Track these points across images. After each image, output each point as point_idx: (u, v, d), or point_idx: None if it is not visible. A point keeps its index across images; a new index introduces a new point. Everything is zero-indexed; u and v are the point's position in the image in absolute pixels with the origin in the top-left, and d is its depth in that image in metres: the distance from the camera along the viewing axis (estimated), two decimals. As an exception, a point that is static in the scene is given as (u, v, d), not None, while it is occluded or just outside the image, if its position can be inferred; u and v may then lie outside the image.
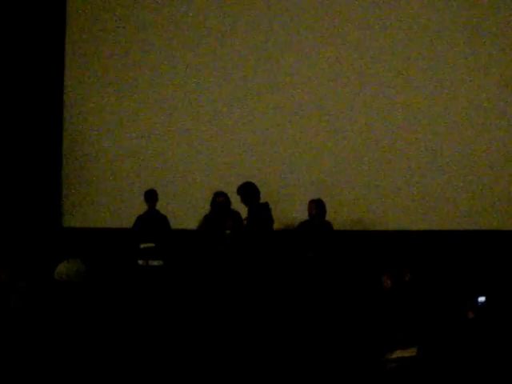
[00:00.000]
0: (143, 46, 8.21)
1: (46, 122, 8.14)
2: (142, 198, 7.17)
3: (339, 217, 7.15)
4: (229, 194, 6.99)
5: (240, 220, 6.78)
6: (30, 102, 8.11)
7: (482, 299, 4.90)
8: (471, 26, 7.21)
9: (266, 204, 6.58)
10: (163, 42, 8.10)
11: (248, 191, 6.54)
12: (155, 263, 6.76)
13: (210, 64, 7.93)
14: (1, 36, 8.12)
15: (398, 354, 4.32)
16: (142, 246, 6.79)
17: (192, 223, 7.50)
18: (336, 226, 6.90)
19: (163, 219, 7.09)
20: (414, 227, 7.11)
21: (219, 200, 7.02)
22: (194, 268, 6.60)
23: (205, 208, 7.33)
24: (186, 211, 7.67)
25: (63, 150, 8.31)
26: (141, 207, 7.18)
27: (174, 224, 7.23)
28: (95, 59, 8.32)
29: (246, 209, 6.57)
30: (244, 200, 6.55)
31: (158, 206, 7.16)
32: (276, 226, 6.87)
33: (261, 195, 6.58)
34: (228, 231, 6.65)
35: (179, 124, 8.01)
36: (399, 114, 7.42)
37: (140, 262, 6.74)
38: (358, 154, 7.49)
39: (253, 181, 6.71)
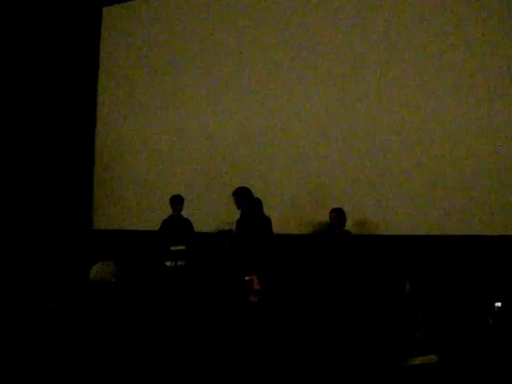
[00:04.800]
0: (170, 51, 8.51)
1: (79, 132, 8.43)
2: (165, 201, 7.21)
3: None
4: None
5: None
6: (65, 109, 8.40)
7: (498, 304, 4.93)
8: (471, 27, 6.70)
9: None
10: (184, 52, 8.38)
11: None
12: (181, 263, 6.85)
13: (229, 74, 8.07)
14: (42, 45, 8.54)
15: (418, 360, 4.36)
16: (172, 248, 6.87)
17: (210, 227, 7.54)
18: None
19: (188, 223, 7.16)
20: (429, 232, 6.74)
21: None
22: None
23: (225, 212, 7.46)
24: (206, 216, 7.72)
25: (94, 157, 8.56)
26: (165, 210, 7.19)
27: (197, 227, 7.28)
28: (127, 68, 8.60)
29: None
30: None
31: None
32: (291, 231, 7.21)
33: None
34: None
35: (204, 133, 8.13)
36: (401, 117, 6.99)
37: (168, 263, 6.83)
38: (363, 158, 7.20)
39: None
